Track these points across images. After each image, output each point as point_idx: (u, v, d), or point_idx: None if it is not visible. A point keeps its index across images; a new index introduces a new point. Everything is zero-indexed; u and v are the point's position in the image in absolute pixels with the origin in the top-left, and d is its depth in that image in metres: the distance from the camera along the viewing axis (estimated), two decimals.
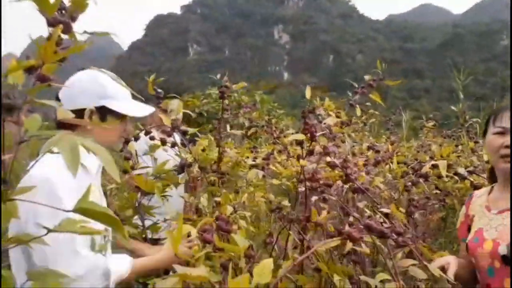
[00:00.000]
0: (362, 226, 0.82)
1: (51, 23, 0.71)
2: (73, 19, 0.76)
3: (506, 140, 1.34)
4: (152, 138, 2.10)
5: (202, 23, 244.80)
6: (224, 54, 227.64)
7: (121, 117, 1.40)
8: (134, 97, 1.45)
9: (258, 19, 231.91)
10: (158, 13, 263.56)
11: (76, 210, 0.58)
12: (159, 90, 2.15)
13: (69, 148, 0.50)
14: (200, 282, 0.91)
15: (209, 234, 1.01)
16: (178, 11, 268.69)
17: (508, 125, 1.33)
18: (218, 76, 2.21)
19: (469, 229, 1.49)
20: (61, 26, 0.71)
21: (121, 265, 1.21)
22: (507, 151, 1.33)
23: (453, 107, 3.16)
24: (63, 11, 0.76)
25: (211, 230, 1.05)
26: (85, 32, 0.87)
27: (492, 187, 1.50)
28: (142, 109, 1.48)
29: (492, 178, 1.52)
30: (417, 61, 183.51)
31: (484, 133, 1.47)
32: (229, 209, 1.51)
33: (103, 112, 1.36)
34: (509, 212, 1.35)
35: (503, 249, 1.29)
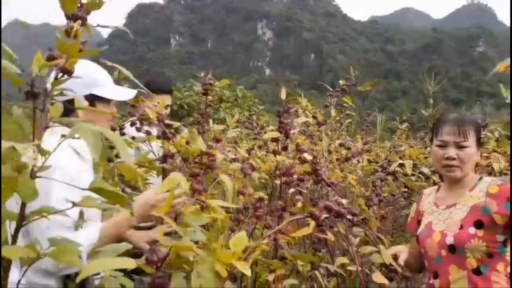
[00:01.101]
0: (322, 207, 0.96)
1: (71, 18, 0.80)
2: (88, 13, 0.86)
3: (446, 152, 1.54)
4: (138, 130, 2.19)
5: (186, 14, 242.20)
6: (207, 46, 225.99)
7: (106, 102, 1.49)
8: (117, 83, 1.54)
9: (242, 13, 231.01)
10: (140, 1, 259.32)
11: (91, 188, 0.69)
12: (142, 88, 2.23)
13: (91, 135, 0.61)
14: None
15: (198, 184, 1.09)
16: (160, 0, 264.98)
17: (450, 139, 1.53)
18: (202, 74, 2.29)
19: (418, 224, 1.69)
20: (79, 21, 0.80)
21: (88, 236, 1.23)
22: (448, 162, 1.54)
23: (423, 111, 3.34)
24: (80, 6, 0.85)
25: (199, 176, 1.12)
26: (98, 25, 0.97)
27: (439, 186, 1.70)
28: (127, 93, 1.57)
29: (442, 178, 1.73)
30: (397, 63, 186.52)
31: (431, 140, 1.67)
32: (219, 155, 1.61)
33: (91, 100, 1.45)
34: (454, 208, 1.55)
35: (450, 239, 1.49)
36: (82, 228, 1.27)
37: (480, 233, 1.44)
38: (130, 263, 0.60)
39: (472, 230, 1.45)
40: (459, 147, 1.53)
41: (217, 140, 1.63)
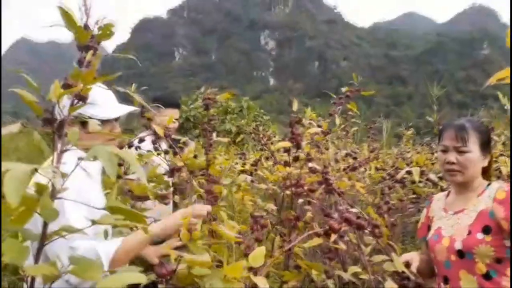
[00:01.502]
0: (342, 219, 0.97)
1: (83, 48, 0.84)
2: (99, 43, 0.90)
3: (447, 157, 1.57)
4: (154, 143, 2.24)
5: (189, 27, 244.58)
6: (210, 58, 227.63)
7: (102, 121, 1.45)
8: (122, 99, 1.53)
9: (244, 24, 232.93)
10: (144, 16, 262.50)
11: (107, 208, 0.72)
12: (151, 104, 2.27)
13: (108, 156, 0.64)
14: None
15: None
16: (164, 15, 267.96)
17: (450, 144, 1.55)
18: (202, 88, 2.32)
19: (429, 229, 1.70)
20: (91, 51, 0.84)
21: (110, 243, 1.24)
22: (449, 166, 1.57)
23: (428, 117, 3.35)
24: (92, 37, 0.89)
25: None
26: (107, 54, 1.01)
27: (449, 192, 1.71)
28: (120, 110, 1.53)
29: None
30: (401, 68, 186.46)
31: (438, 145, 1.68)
32: (224, 190, 1.63)
33: (83, 120, 1.39)
34: (462, 213, 1.56)
35: (458, 245, 1.50)
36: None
37: (488, 238, 1.44)
38: (142, 278, 0.63)
39: (480, 235, 1.46)
40: (459, 152, 1.55)
41: (214, 182, 1.64)
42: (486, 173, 1.64)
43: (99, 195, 1.47)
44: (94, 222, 0.69)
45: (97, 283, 0.63)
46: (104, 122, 1.47)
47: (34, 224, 0.80)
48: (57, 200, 0.72)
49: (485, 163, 1.59)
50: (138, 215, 0.73)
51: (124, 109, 1.55)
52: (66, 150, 0.70)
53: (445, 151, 1.59)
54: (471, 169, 1.55)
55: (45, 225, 0.68)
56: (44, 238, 0.68)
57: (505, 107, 1.65)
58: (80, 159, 0.68)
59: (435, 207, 1.73)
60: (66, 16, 0.72)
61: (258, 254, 0.86)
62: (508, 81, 0.93)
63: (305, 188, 1.88)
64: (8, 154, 6.21)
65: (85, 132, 1.38)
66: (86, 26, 0.77)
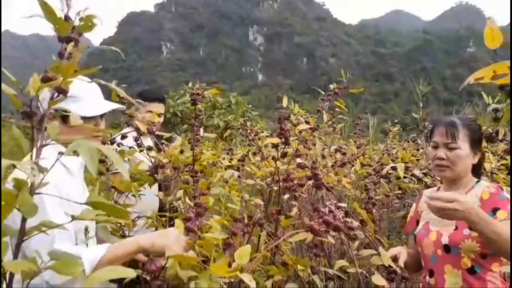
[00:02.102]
0: (321, 221, 0.99)
1: (63, 40, 0.82)
2: (80, 35, 0.88)
3: (437, 153, 1.59)
4: (136, 140, 2.21)
5: (177, 22, 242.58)
6: (199, 53, 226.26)
7: (86, 117, 1.40)
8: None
9: (233, 19, 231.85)
10: (131, 10, 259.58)
11: (88, 203, 0.71)
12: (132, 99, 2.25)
13: (88, 151, 0.63)
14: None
15: (192, 223, 1.12)
16: (152, 9, 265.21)
17: (440, 140, 1.58)
18: (190, 84, 2.30)
19: (417, 223, 1.73)
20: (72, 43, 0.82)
21: (95, 251, 1.21)
22: (439, 162, 1.59)
23: (414, 114, 3.39)
24: (73, 28, 0.87)
25: (193, 219, 1.15)
26: (88, 47, 0.99)
27: (439, 187, 1.73)
28: (104, 107, 1.49)
29: (435, 179, 1.76)
30: (388, 66, 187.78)
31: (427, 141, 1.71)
32: (211, 199, 1.62)
33: (64, 114, 1.34)
34: None
35: (445, 239, 1.53)
36: (87, 246, 1.27)
37: (474, 233, 1.47)
38: (130, 273, 0.62)
39: (466, 231, 1.49)
40: (449, 148, 1.57)
41: (203, 194, 1.62)
42: (476, 170, 1.65)
43: (80, 191, 1.45)
44: (74, 218, 0.68)
45: (86, 282, 0.61)
46: (88, 117, 1.43)
47: (12, 220, 0.77)
48: (37, 195, 0.70)
49: (475, 160, 1.61)
50: (121, 210, 0.72)
51: (109, 106, 1.51)
52: (45, 145, 0.69)
53: (435, 147, 1.61)
54: (460, 166, 1.57)
55: (23, 220, 0.67)
56: (23, 234, 0.66)
57: (488, 109, 1.68)
58: (60, 153, 0.67)
59: (423, 203, 1.73)
60: (46, 7, 0.70)
61: (244, 252, 0.86)
62: (487, 80, 0.94)
63: (295, 182, 1.88)
64: (7, 148, 6.10)
65: (67, 127, 1.34)
66: (66, 17, 0.75)
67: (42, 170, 0.67)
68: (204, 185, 2.26)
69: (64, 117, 1.37)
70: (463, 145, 1.56)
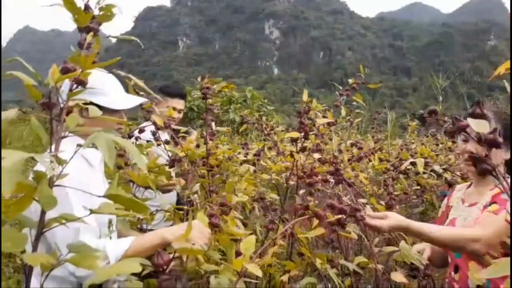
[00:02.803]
0: (326, 206, 0.97)
1: (83, 30, 0.82)
2: (99, 25, 0.88)
3: (467, 146, 1.54)
4: (154, 134, 2.23)
5: (192, 16, 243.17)
6: (214, 48, 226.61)
7: (112, 110, 1.43)
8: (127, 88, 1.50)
9: (248, 13, 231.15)
10: (147, 5, 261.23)
11: (107, 196, 0.71)
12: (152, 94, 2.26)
13: (106, 143, 0.62)
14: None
15: (216, 219, 1.12)
16: (168, 3, 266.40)
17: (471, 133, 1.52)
18: (199, 79, 2.28)
19: (447, 218, 1.70)
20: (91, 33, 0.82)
21: (120, 243, 1.22)
22: (468, 156, 1.52)
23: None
24: (92, 18, 0.87)
25: (217, 215, 1.15)
26: (109, 36, 0.99)
27: (471, 183, 1.69)
28: (131, 101, 1.52)
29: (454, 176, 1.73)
30: (406, 59, 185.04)
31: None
32: (235, 198, 1.62)
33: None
34: (475, 206, 1.55)
35: None
36: (111, 239, 1.28)
37: None
38: (136, 267, 0.61)
39: None
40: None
41: (225, 205, 1.60)
42: (510, 167, 1.59)
43: (101, 184, 1.46)
44: (92, 211, 0.67)
45: (98, 275, 0.62)
46: (112, 111, 1.45)
47: (35, 212, 0.78)
48: (61, 188, 0.70)
49: (507, 156, 1.53)
50: (140, 204, 0.71)
51: (135, 101, 1.53)
52: (64, 137, 0.69)
53: (465, 140, 1.56)
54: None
55: (43, 212, 0.67)
56: (42, 226, 0.66)
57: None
58: (78, 145, 0.67)
59: (455, 197, 1.73)
60: None
61: (249, 243, 0.85)
62: None
63: (319, 178, 1.86)
64: (13, 142, 6.22)
65: (90, 120, 1.38)
66: (86, 7, 0.74)
67: (61, 162, 0.67)
68: (218, 180, 2.27)
69: (87, 109, 1.39)
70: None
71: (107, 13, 0.76)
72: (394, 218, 1.32)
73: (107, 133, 0.65)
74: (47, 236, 1.14)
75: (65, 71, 0.69)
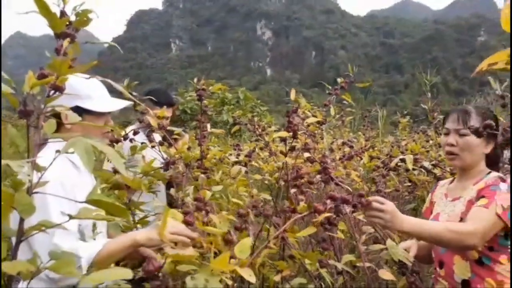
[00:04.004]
0: (326, 198, 0.97)
1: (60, 36, 0.82)
2: (77, 31, 0.87)
3: (448, 139, 1.57)
4: (148, 136, 2.22)
5: (185, 18, 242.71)
6: (207, 49, 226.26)
7: (97, 114, 1.46)
8: (115, 92, 1.51)
9: (241, 14, 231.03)
10: (139, 8, 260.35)
11: (88, 201, 0.70)
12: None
13: (84, 149, 0.62)
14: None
15: (190, 216, 1.10)
16: (160, 6, 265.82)
17: (451, 127, 1.56)
18: (195, 80, 2.29)
19: (432, 213, 1.71)
20: (68, 39, 0.81)
21: (92, 247, 1.21)
22: (449, 149, 1.56)
23: (423, 105, 3.34)
24: (69, 24, 0.86)
25: (191, 212, 1.13)
26: (87, 42, 0.98)
27: (454, 178, 1.69)
28: (117, 104, 1.54)
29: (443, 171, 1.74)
30: (398, 56, 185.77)
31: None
32: (208, 193, 1.62)
33: (79, 112, 1.43)
34: (458, 201, 1.56)
35: None
36: (85, 241, 1.27)
37: None
38: (127, 274, 0.61)
39: None
40: (459, 134, 1.54)
41: (199, 200, 1.60)
42: (492, 161, 1.60)
43: (89, 188, 1.45)
44: (71, 217, 0.67)
45: (81, 279, 0.61)
46: (98, 115, 1.47)
47: (14, 219, 0.76)
48: (40, 194, 0.70)
49: (487, 150, 1.55)
50: (120, 208, 0.71)
51: (120, 104, 1.55)
52: (42, 144, 0.68)
53: (447, 133, 1.59)
54: (469, 154, 1.53)
55: (21, 220, 0.66)
56: (21, 234, 0.66)
57: (497, 92, 1.63)
58: (57, 151, 0.66)
59: (438, 193, 1.74)
60: (39, 2, 0.69)
61: (244, 246, 0.84)
62: (502, 66, 0.90)
63: (304, 179, 1.87)
64: (5, 148, 6.17)
65: (77, 125, 1.38)
66: (63, 13, 0.74)
67: (39, 169, 0.66)
68: (213, 182, 2.26)
69: (80, 116, 1.40)
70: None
71: (83, 19, 0.75)
72: (391, 205, 1.30)
73: (86, 138, 0.65)
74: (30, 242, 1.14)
75: (41, 77, 0.69)
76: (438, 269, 1.59)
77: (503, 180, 1.48)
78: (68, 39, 0.75)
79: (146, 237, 1.21)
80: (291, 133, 1.85)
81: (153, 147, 2.25)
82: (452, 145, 1.55)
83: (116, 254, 1.20)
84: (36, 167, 0.65)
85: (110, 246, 1.20)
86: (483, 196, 1.44)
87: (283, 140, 1.96)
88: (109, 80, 0.94)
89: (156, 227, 1.22)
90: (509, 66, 0.89)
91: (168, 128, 2.34)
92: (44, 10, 0.69)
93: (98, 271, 0.60)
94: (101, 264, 1.14)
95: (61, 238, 1.13)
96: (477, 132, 1.39)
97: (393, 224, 1.27)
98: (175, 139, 2.48)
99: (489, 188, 1.46)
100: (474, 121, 1.52)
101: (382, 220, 1.26)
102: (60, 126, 1.38)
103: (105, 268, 0.96)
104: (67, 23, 0.75)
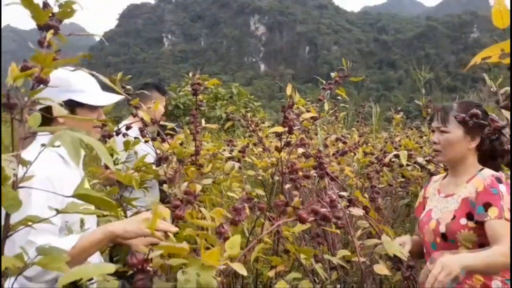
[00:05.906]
0: (310, 210, 0.96)
1: (43, 28, 0.79)
2: (60, 22, 0.84)
3: (433, 137, 1.62)
4: (141, 131, 2.20)
5: (177, 13, 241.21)
6: (200, 44, 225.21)
7: (90, 108, 1.46)
8: (106, 86, 1.50)
9: (234, 9, 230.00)
10: (131, 2, 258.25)
11: (75, 195, 0.68)
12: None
13: (71, 142, 0.60)
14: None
15: (180, 210, 1.07)
16: (152, 0, 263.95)
17: (434, 125, 1.61)
18: (191, 74, 2.27)
19: (424, 209, 1.72)
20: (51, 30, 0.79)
21: (67, 241, 1.18)
22: (434, 146, 1.61)
23: (416, 101, 3.34)
24: (52, 15, 0.83)
25: (181, 206, 1.10)
26: (71, 34, 0.95)
27: (447, 174, 1.69)
28: (109, 98, 1.54)
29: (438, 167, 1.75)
30: (391, 53, 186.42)
31: None
32: (198, 187, 1.60)
33: (72, 105, 1.42)
34: (451, 197, 1.56)
35: (442, 228, 1.53)
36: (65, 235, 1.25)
37: (471, 224, 1.46)
38: (110, 268, 0.59)
39: (463, 221, 1.48)
40: (440, 132, 1.56)
41: (189, 193, 1.57)
42: (485, 157, 1.59)
43: (77, 183, 1.43)
44: (58, 211, 0.65)
45: (63, 277, 0.59)
46: (91, 109, 1.47)
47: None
48: (25, 189, 0.67)
49: (472, 145, 1.55)
50: (109, 202, 0.69)
51: (113, 98, 1.54)
52: (27, 137, 0.66)
53: (433, 131, 1.64)
54: (451, 149, 1.55)
55: (7, 216, 0.64)
56: (7, 229, 0.63)
57: (491, 89, 1.64)
58: (43, 145, 0.64)
59: (430, 188, 1.74)
60: None
61: (234, 242, 0.83)
62: (495, 60, 0.89)
63: (300, 174, 1.85)
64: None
65: (70, 119, 1.37)
66: (45, 4, 0.71)
67: (24, 163, 0.64)
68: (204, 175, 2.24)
69: (71, 109, 1.39)
70: (455, 129, 1.53)
71: (67, 10, 0.73)
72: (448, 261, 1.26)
73: (73, 132, 0.62)
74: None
75: (24, 69, 0.66)
76: (429, 264, 1.59)
77: (499, 179, 1.48)
78: (51, 31, 0.72)
79: (122, 228, 1.17)
80: (286, 128, 1.83)
81: (146, 142, 2.22)
82: (434, 143, 1.60)
83: (91, 248, 1.17)
84: (21, 161, 0.62)
85: (84, 240, 1.16)
86: (489, 204, 1.42)
87: (278, 135, 1.94)
88: (96, 73, 0.91)
89: (134, 220, 1.20)
90: (502, 60, 0.88)
91: (161, 123, 2.32)
92: (26, 1, 0.66)
93: (80, 266, 0.58)
94: (75, 259, 1.10)
95: (36, 235, 1.11)
96: (462, 122, 1.43)
97: (454, 267, 1.24)
98: (171, 135, 2.45)
99: (490, 191, 1.45)
100: (453, 117, 1.54)
101: (448, 275, 1.24)
102: (53, 120, 1.37)
103: (80, 264, 0.95)
104: (50, 14, 0.73)
